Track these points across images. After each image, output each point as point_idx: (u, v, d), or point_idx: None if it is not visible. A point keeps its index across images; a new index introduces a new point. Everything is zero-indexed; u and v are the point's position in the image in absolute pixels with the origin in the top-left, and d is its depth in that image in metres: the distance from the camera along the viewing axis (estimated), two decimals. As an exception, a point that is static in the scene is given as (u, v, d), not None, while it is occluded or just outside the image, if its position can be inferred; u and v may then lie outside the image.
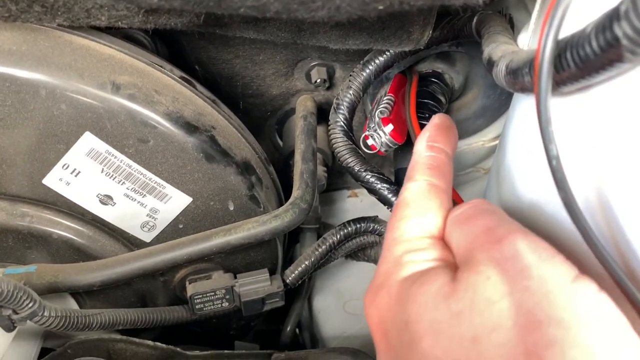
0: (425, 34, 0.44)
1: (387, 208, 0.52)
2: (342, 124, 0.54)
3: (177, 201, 0.47)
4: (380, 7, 0.28)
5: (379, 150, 0.51)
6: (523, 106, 0.34)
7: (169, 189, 0.47)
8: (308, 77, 0.61)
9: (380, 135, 0.51)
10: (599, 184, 0.25)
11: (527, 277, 0.24)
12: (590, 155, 0.26)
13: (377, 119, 0.51)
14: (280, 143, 0.69)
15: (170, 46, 0.55)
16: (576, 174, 0.26)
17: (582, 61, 0.24)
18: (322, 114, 0.63)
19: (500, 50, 0.34)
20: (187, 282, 0.52)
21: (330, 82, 0.61)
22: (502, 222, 0.28)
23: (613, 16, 0.21)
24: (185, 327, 0.58)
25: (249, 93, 0.63)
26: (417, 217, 0.31)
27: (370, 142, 0.51)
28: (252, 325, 0.64)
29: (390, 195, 0.52)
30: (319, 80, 0.60)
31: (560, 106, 0.28)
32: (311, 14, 0.31)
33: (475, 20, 0.46)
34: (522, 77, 0.29)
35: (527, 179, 0.32)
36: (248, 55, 0.58)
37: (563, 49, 0.25)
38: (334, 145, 0.54)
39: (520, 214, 0.32)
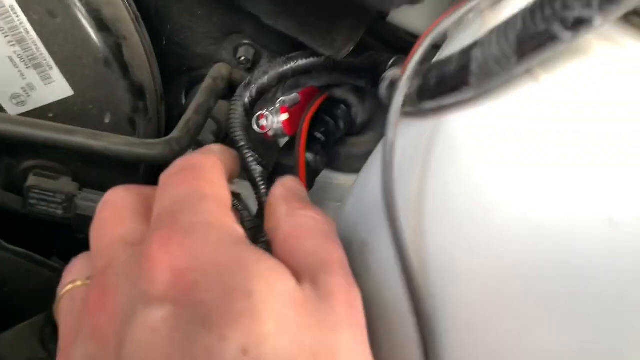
0: (347, 47, 0.48)
1: (253, 189, 0.55)
2: (246, 100, 0.56)
3: (58, 88, 0.47)
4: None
5: (266, 133, 0.54)
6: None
7: (56, 73, 0.46)
8: (235, 51, 0.64)
9: (274, 120, 0.53)
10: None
11: None
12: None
13: (277, 105, 0.54)
14: (184, 102, 0.69)
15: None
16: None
17: (441, 79, 0.28)
18: (232, 91, 0.65)
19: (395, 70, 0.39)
20: (31, 174, 0.51)
21: (252, 65, 0.64)
22: None
23: (473, 44, 0.26)
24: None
25: (174, 40, 0.63)
26: None
27: (263, 121, 0.53)
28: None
29: (259, 179, 0.54)
30: (243, 58, 0.63)
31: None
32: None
33: (392, 60, 0.51)
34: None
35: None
36: (188, 4, 0.59)
37: (430, 68, 0.29)
38: (230, 115, 0.56)
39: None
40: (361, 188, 0.41)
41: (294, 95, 0.56)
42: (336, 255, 0.28)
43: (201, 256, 0.23)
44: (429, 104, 0.30)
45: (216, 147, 0.36)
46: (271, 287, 0.23)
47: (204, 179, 0.28)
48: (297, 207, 0.30)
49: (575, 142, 0.23)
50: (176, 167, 0.29)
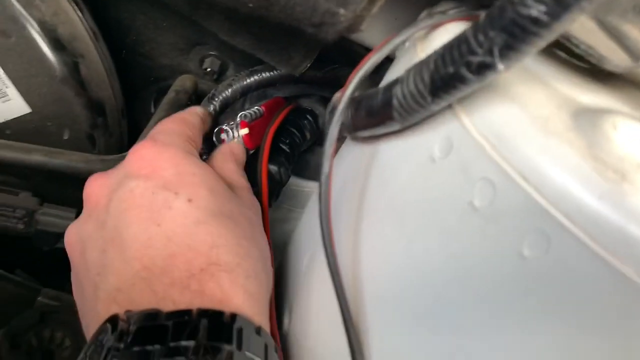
0: (303, 64, 0.49)
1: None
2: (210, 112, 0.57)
3: (15, 106, 0.47)
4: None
5: (226, 147, 0.54)
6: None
7: (12, 91, 0.46)
8: (202, 62, 0.64)
9: (234, 135, 0.54)
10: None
11: None
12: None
13: (238, 119, 0.54)
14: (153, 111, 0.70)
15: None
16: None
17: (370, 112, 0.29)
18: (199, 102, 0.65)
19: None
20: (-9, 190, 0.51)
21: (219, 76, 0.64)
22: None
23: (395, 81, 0.26)
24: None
25: (140, 51, 0.64)
26: None
27: (223, 136, 0.54)
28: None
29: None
30: (209, 69, 0.63)
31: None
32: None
33: (353, 74, 0.52)
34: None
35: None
36: (152, 16, 0.59)
37: (360, 100, 0.30)
38: (193, 129, 0.56)
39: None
40: (312, 208, 0.42)
41: (256, 109, 0.57)
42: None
43: (164, 154, 0.34)
44: (363, 133, 0.31)
45: (198, 107, 0.49)
46: (207, 174, 0.35)
47: (182, 122, 0.41)
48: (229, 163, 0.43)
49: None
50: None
